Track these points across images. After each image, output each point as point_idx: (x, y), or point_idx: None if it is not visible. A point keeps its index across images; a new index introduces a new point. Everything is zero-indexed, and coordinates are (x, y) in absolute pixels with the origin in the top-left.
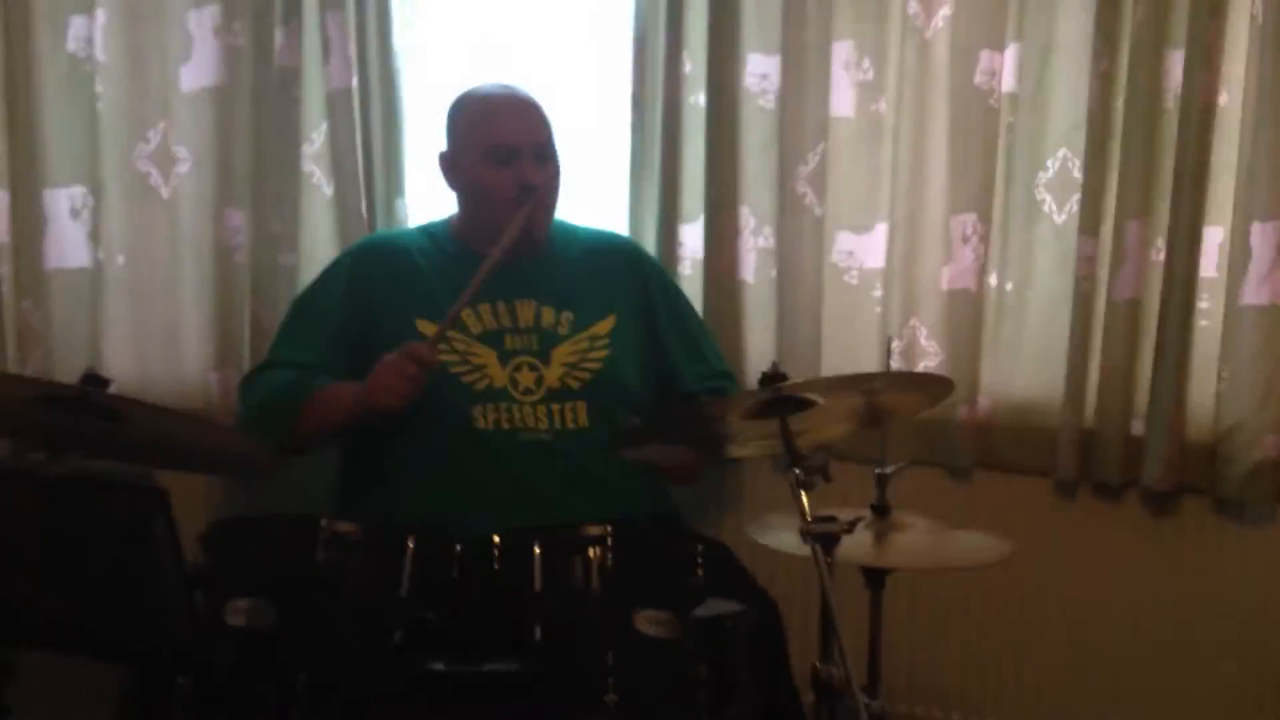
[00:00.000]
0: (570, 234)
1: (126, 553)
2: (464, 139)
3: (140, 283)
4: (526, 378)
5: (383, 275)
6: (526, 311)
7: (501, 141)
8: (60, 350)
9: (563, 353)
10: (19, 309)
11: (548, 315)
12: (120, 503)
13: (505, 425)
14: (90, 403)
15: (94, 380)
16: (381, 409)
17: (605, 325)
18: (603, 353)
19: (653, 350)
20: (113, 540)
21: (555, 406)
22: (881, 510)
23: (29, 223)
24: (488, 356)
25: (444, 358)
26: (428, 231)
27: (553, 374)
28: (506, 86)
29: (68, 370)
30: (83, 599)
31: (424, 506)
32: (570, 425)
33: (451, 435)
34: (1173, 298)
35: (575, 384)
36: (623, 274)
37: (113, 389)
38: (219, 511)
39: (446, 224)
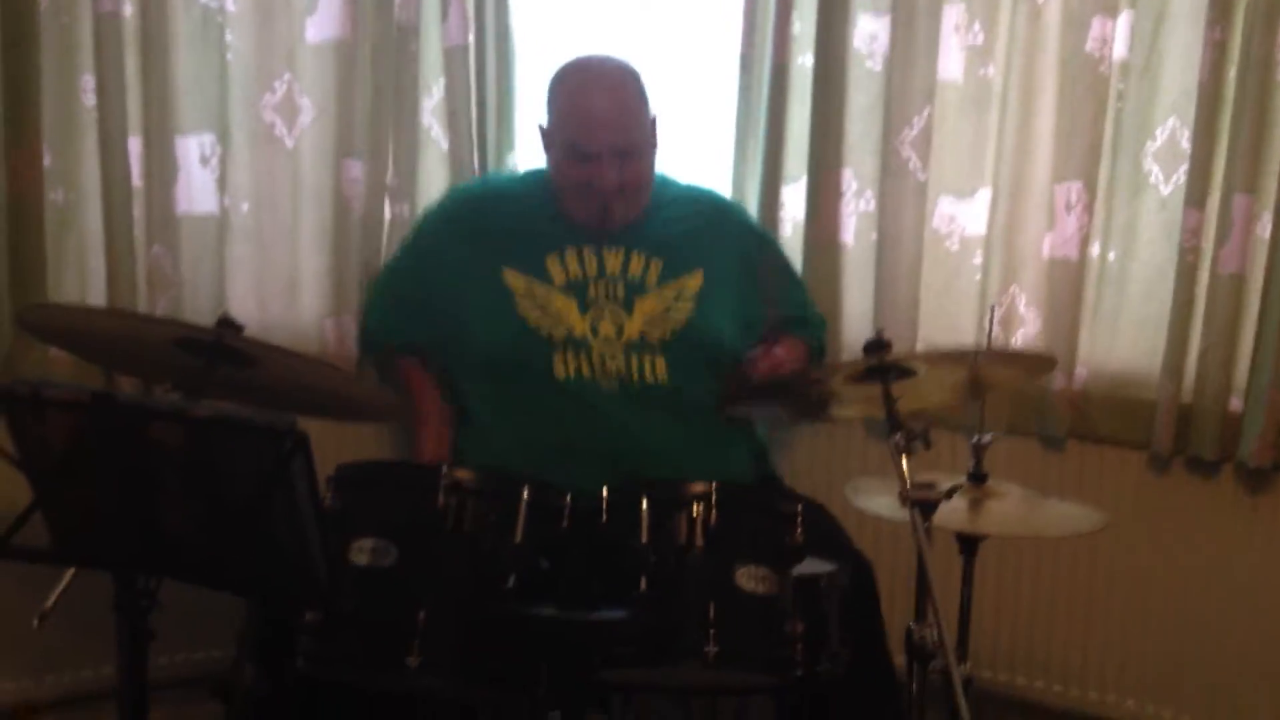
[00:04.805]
0: (667, 187)
1: (266, 491)
2: (554, 124)
3: (263, 230)
4: (607, 326)
5: (474, 224)
6: (614, 260)
7: (584, 145)
8: (188, 294)
9: (647, 304)
10: (150, 253)
11: (636, 263)
12: (262, 443)
13: (585, 374)
14: (225, 346)
15: (228, 325)
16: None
17: (694, 281)
18: (687, 308)
19: (744, 305)
20: (254, 478)
21: (634, 357)
22: (978, 478)
23: (161, 169)
24: (568, 307)
25: (523, 311)
26: (526, 179)
27: (634, 324)
28: (604, 72)
29: (194, 313)
30: (224, 533)
31: (507, 455)
32: (648, 379)
33: (533, 386)
34: (1277, 274)
35: (655, 338)
36: (715, 230)
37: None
38: (344, 455)
39: (546, 176)
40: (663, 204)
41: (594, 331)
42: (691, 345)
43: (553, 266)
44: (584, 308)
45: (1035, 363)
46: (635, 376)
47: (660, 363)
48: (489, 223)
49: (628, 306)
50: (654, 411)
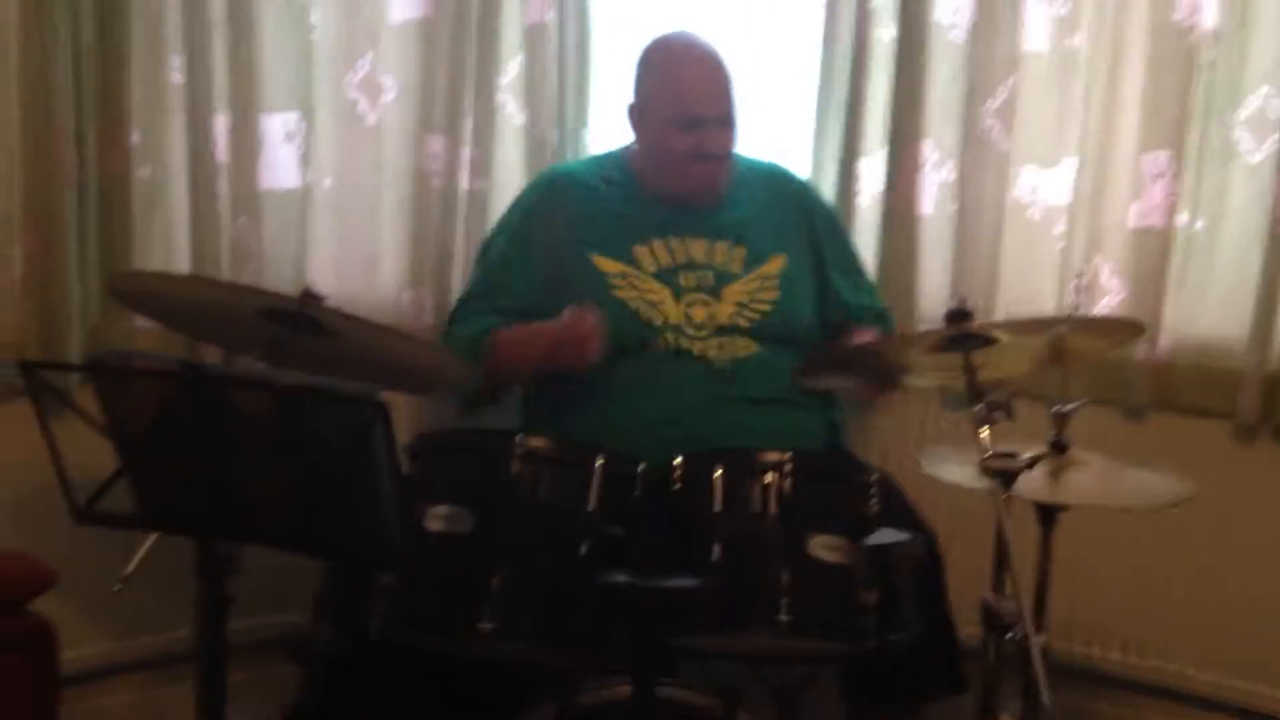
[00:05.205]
0: (742, 167)
1: (349, 458)
2: (653, 98)
3: (344, 204)
4: (699, 313)
5: (562, 211)
6: (699, 249)
7: (690, 113)
8: (271, 267)
9: (735, 291)
10: (235, 227)
11: (720, 252)
12: (345, 411)
13: (679, 355)
14: (308, 317)
15: (311, 295)
16: (568, 369)
17: (776, 265)
18: (773, 293)
19: (820, 284)
20: (336, 446)
21: (726, 340)
22: (1059, 447)
23: (245, 145)
24: (662, 294)
25: (621, 294)
26: (602, 165)
27: (724, 310)
28: (692, 42)
29: (276, 286)
30: (306, 499)
31: (602, 430)
32: (740, 358)
33: (629, 366)
34: None
35: (745, 322)
36: (791, 211)
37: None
38: (421, 425)
39: (623, 158)
40: (743, 188)
41: (687, 319)
42: (779, 327)
43: (641, 256)
44: (678, 295)
45: (1122, 330)
46: (727, 358)
47: (750, 344)
48: (577, 209)
49: (717, 294)
50: (747, 385)
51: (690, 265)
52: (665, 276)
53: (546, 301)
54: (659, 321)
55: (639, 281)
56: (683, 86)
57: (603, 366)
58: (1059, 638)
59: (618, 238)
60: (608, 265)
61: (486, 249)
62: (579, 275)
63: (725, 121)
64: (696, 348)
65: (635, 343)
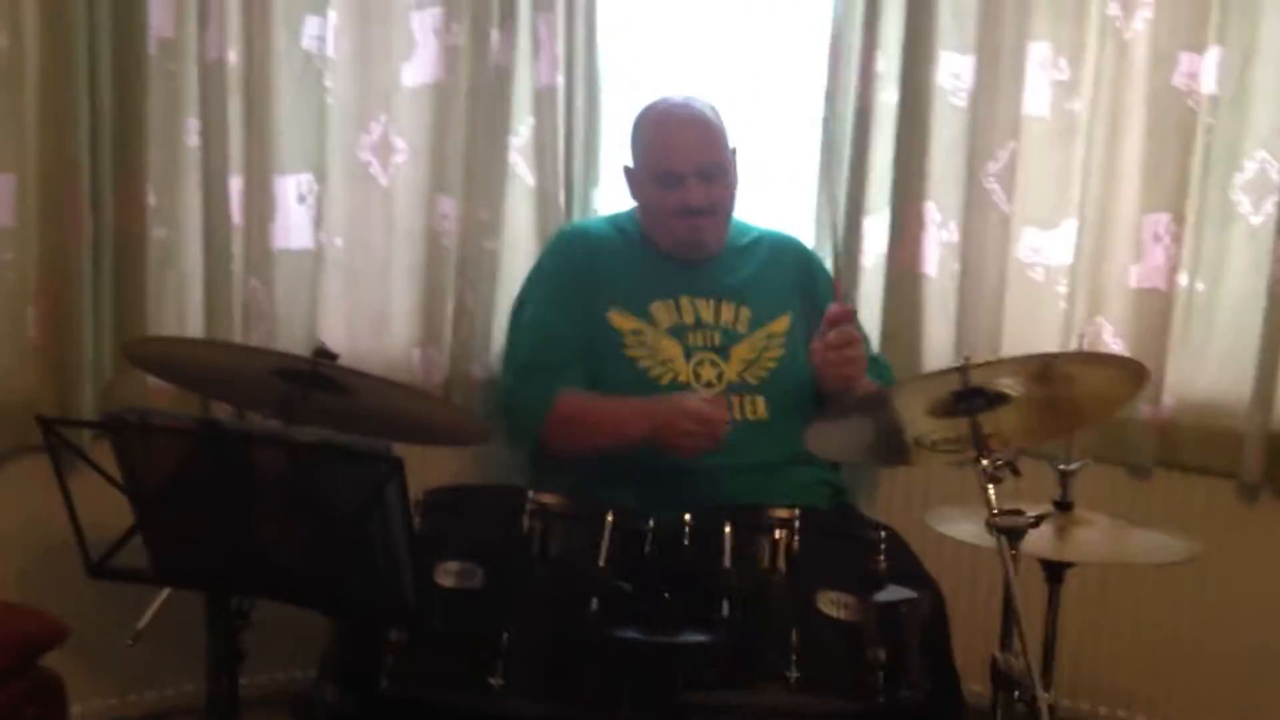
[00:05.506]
0: (745, 232)
1: (363, 514)
2: (640, 159)
3: (356, 264)
4: (708, 371)
5: (578, 267)
6: (707, 310)
7: (667, 169)
8: (283, 326)
9: (742, 350)
10: (247, 286)
11: (727, 312)
12: (361, 467)
13: None
14: (320, 375)
15: (324, 354)
16: (669, 451)
17: (781, 324)
18: (779, 351)
19: None
20: (351, 501)
21: (735, 398)
22: (1064, 505)
23: (259, 206)
24: (674, 351)
25: (633, 353)
26: (616, 223)
27: (732, 369)
28: (683, 104)
29: (288, 345)
30: (319, 555)
31: (610, 489)
32: (750, 416)
33: None
34: None
35: (754, 380)
36: (792, 272)
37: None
38: (429, 481)
39: (633, 217)
40: (742, 249)
41: (696, 377)
42: (785, 384)
43: (657, 311)
44: (688, 354)
45: (1125, 374)
46: (737, 415)
47: (760, 401)
48: (592, 266)
49: (724, 354)
50: (756, 444)
51: (699, 325)
52: (678, 333)
53: (585, 356)
54: (668, 380)
55: (651, 339)
56: (661, 144)
57: None
58: (1066, 695)
59: (636, 293)
60: (623, 322)
61: (517, 316)
62: (596, 332)
63: (707, 175)
64: None
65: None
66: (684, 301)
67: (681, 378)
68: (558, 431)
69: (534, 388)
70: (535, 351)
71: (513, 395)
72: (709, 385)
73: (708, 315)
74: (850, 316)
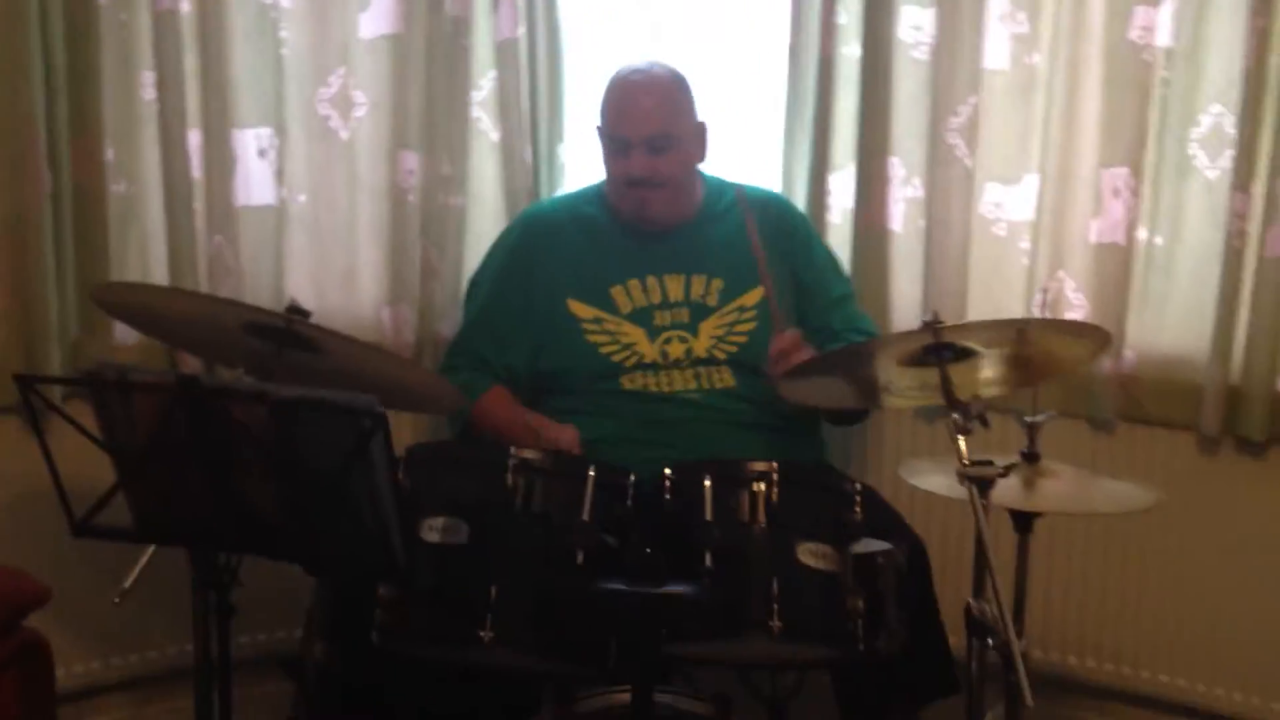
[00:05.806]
0: (720, 194)
1: (347, 469)
2: (600, 123)
3: (320, 221)
4: (676, 349)
5: (535, 257)
6: (675, 286)
7: (615, 134)
8: (248, 283)
9: (710, 325)
10: (212, 242)
11: (697, 286)
12: (343, 422)
13: (653, 388)
14: (293, 332)
15: (297, 311)
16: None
17: (754, 296)
18: (750, 325)
19: (800, 304)
20: (334, 456)
21: (703, 370)
22: (1031, 457)
23: (220, 162)
24: (637, 334)
25: (594, 338)
26: (583, 199)
27: (701, 344)
28: (644, 70)
29: (256, 301)
30: (304, 511)
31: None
32: (718, 385)
33: (603, 398)
34: None
35: (722, 355)
36: (771, 235)
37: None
38: (409, 437)
39: (600, 191)
40: (718, 214)
41: (663, 356)
42: (755, 357)
43: (618, 297)
44: (652, 335)
45: (1089, 337)
46: (705, 385)
47: (727, 374)
48: (552, 253)
49: (693, 330)
50: (720, 418)
51: (665, 303)
52: (640, 317)
53: (531, 347)
54: (632, 363)
55: (612, 325)
56: (614, 109)
57: (577, 402)
58: (1035, 645)
59: (594, 280)
60: (582, 310)
61: (473, 290)
62: (554, 320)
63: (654, 146)
64: (669, 381)
65: (610, 383)
66: (650, 280)
67: (647, 359)
68: (478, 423)
69: (468, 375)
70: (474, 341)
71: (451, 376)
72: (676, 362)
73: (676, 292)
74: (797, 345)
